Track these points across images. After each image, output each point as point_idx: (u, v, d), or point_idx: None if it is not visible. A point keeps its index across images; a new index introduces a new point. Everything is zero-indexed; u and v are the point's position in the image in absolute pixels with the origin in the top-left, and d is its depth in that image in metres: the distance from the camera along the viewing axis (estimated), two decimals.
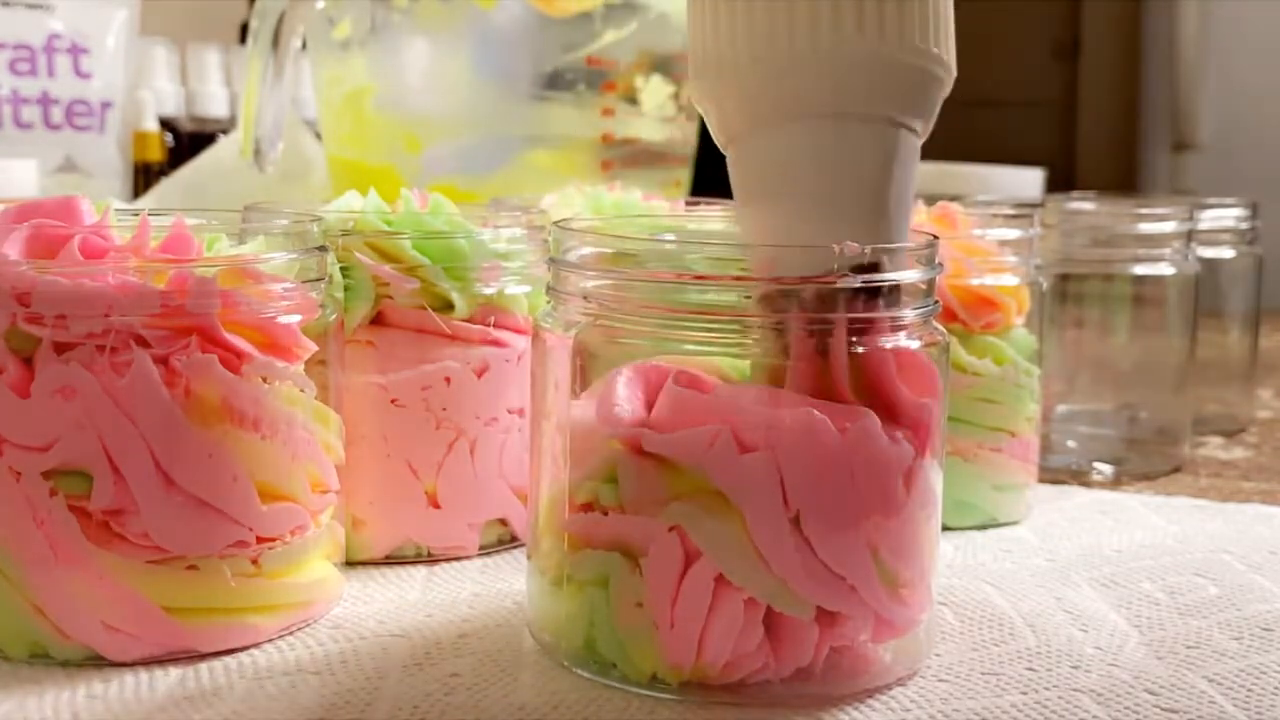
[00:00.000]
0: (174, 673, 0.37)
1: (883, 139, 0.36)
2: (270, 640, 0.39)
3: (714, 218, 0.50)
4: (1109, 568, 0.48)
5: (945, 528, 0.42)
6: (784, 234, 0.36)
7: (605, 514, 0.36)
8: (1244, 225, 0.75)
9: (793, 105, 0.35)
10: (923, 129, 0.37)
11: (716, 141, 0.38)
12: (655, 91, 0.74)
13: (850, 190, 0.36)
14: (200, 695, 0.36)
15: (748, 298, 0.35)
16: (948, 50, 0.36)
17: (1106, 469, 0.62)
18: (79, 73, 0.96)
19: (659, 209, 0.58)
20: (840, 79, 0.35)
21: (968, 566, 0.48)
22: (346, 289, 0.45)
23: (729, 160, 0.37)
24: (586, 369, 0.37)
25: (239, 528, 0.38)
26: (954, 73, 0.37)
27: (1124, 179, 1.78)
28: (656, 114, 0.75)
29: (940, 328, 0.38)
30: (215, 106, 1.09)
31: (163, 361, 0.37)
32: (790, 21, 0.35)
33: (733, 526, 0.34)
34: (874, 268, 0.35)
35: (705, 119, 0.38)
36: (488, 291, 0.47)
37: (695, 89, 0.37)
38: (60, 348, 0.37)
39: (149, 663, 0.37)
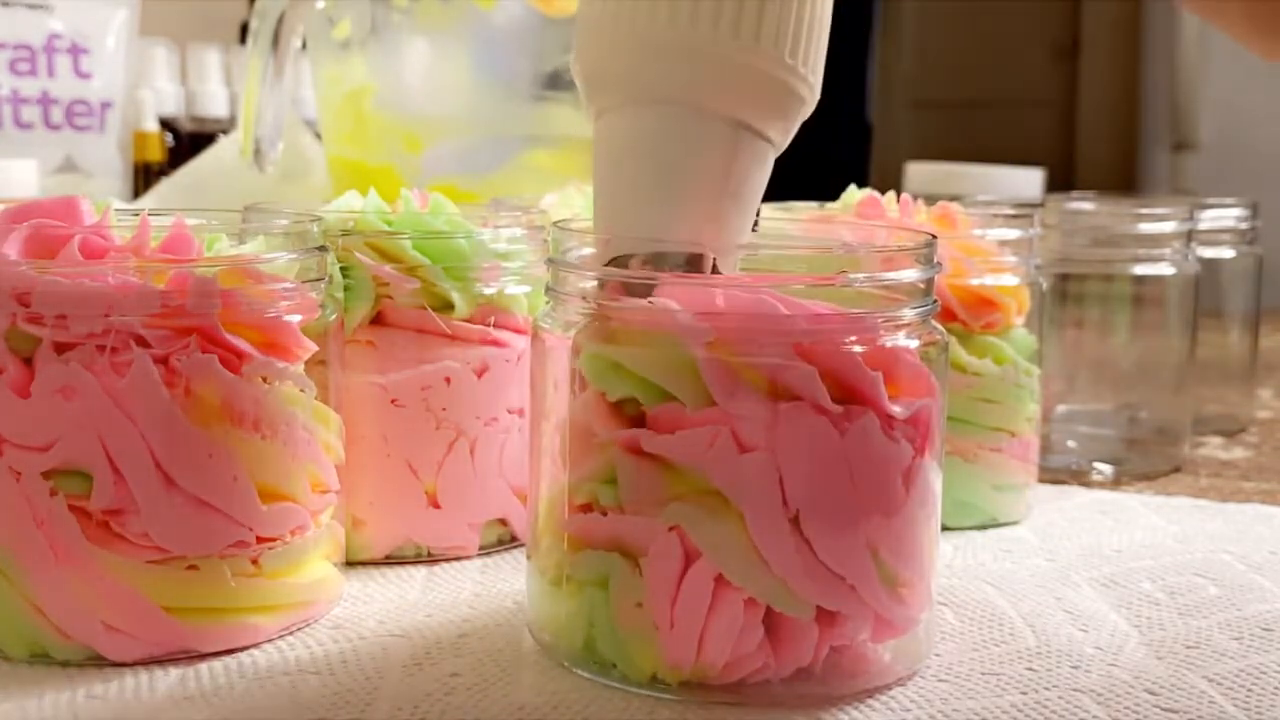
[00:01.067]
0: (174, 673, 0.37)
1: (725, 138, 0.36)
2: (270, 640, 0.39)
3: None
4: (1109, 568, 0.48)
5: (945, 528, 0.41)
6: (619, 211, 0.37)
7: (605, 514, 0.36)
8: (1244, 225, 0.75)
9: (643, 91, 0.37)
10: (777, 138, 0.38)
11: (587, 116, 0.39)
12: None
13: (686, 180, 0.36)
14: (200, 695, 0.36)
15: None
16: (809, 68, 0.37)
17: (1106, 469, 0.62)
18: (79, 73, 0.96)
19: None
20: (689, 72, 0.36)
21: (968, 566, 0.48)
22: (346, 289, 0.45)
23: (594, 133, 0.38)
24: (585, 370, 0.37)
25: (239, 528, 0.38)
26: (816, 94, 0.38)
27: (1124, 179, 1.78)
28: None
29: (939, 327, 0.38)
30: (215, 106, 1.09)
31: (163, 361, 0.37)
32: (651, 12, 0.36)
33: (732, 526, 0.34)
34: (692, 268, 0.36)
35: (579, 90, 0.39)
36: (488, 291, 0.47)
37: (572, 61, 0.39)
38: (60, 348, 0.37)
39: (149, 663, 0.37)
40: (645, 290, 0.36)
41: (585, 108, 0.38)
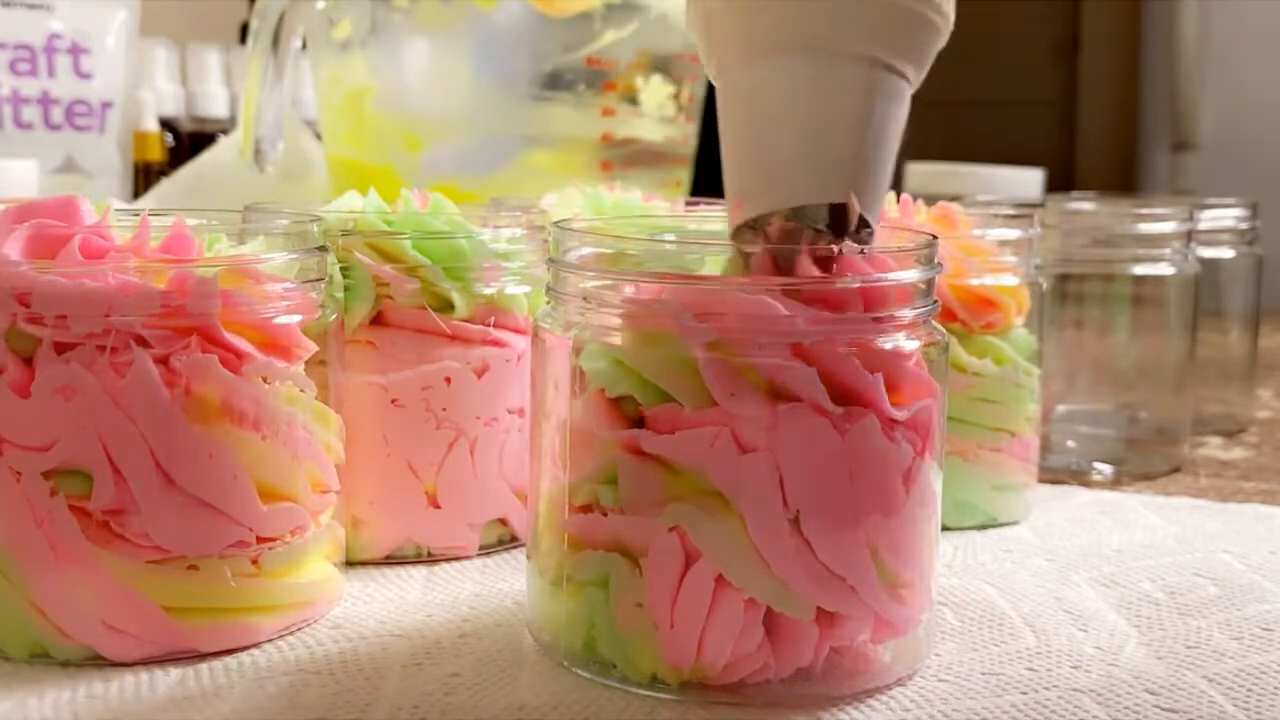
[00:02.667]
0: (174, 673, 0.37)
1: (863, 80, 0.35)
2: (270, 640, 0.39)
3: (714, 218, 0.50)
4: (1109, 568, 0.48)
5: (945, 528, 0.42)
6: (758, 166, 0.36)
7: (605, 515, 0.36)
8: (1244, 225, 0.75)
9: (774, 40, 0.35)
10: (913, 75, 0.36)
11: (707, 71, 0.38)
12: (655, 91, 0.74)
13: (825, 129, 0.35)
14: (200, 695, 0.36)
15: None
16: None
17: (1106, 469, 0.62)
18: (79, 73, 0.96)
19: (659, 209, 0.58)
20: (821, 15, 0.35)
21: (968, 566, 0.48)
22: (346, 289, 0.45)
23: (717, 90, 0.37)
24: (586, 370, 0.37)
25: (239, 528, 0.38)
26: (951, 22, 0.36)
27: (1124, 179, 1.78)
28: (656, 114, 0.75)
29: (940, 328, 0.38)
30: (215, 106, 1.09)
31: (163, 361, 0.37)
32: None
33: (732, 527, 0.34)
34: (838, 220, 0.35)
35: (697, 45, 0.38)
36: (488, 291, 0.47)
37: (689, 17, 0.37)
38: (60, 348, 0.37)
39: (149, 663, 0.37)
40: (788, 257, 0.34)
41: (705, 63, 0.37)
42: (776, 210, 0.35)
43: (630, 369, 0.36)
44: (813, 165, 0.35)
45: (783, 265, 0.35)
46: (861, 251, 0.35)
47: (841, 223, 0.35)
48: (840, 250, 0.35)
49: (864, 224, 0.35)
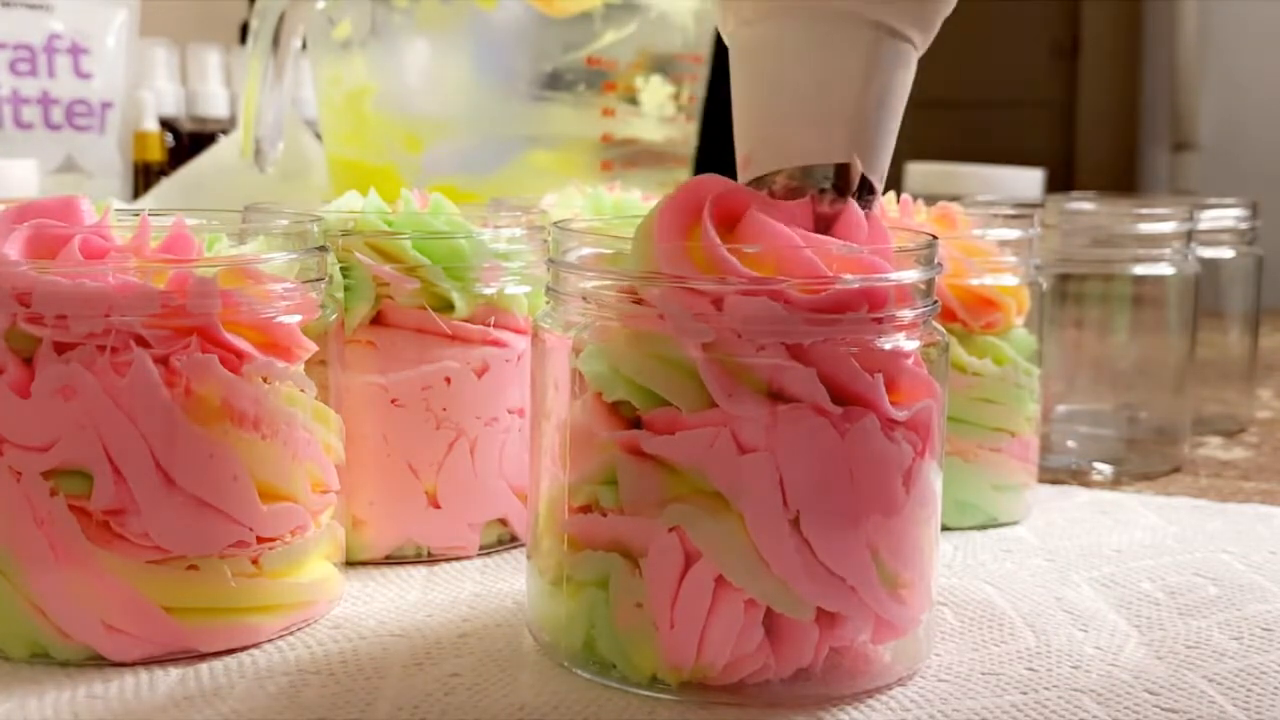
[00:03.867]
0: (174, 673, 0.37)
1: (868, 43, 0.36)
2: (270, 640, 0.39)
3: None
4: (1109, 568, 0.48)
5: (945, 528, 0.42)
6: (761, 127, 0.37)
7: (605, 515, 0.36)
8: (1244, 225, 0.75)
9: (783, 1, 0.36)
10: (919, 41, 0.37)
11: (722, 31, 0.38)
12: (655, 91, 0.74)
13: (829, 90, 0.36)
14: (200, 695, 0.36)
15: None
16: None
17: (1106, 469, 0.62)
18: (79, 73, 0.96)
19: None
20: None
21: (968, 566, 0.48)
22: (346, 289, 0.45)
23: (730, 50, 0.38)
24: (583, 372, 0.37)
25: (239, 528, 0.38)
26: None
27: (1124, 179, 1.78)
28: (656, 114, 0.75)
29: (940, 328, 0.38)
30: (215, 106, 1.09)
31: (163, 361, 0.37)
32: None
33: (732, 527, 0.34)
34: (841, 180, 0.36)
35: (714, 4, 0.38)
36: (488, 291, 0.47)
37: None
38: (60, 348, 0.37)
39: (149, 663, 0.37)
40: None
41: (720, 22, 0.38)
42: (782, 169, 0.36)
43: (625, 375, 0.35)
44: (817, 126, 0.36)
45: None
46: (866, 210, 0.36)
47: (845, 183, 0.36)
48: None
49: (867, 185, 0.36)
